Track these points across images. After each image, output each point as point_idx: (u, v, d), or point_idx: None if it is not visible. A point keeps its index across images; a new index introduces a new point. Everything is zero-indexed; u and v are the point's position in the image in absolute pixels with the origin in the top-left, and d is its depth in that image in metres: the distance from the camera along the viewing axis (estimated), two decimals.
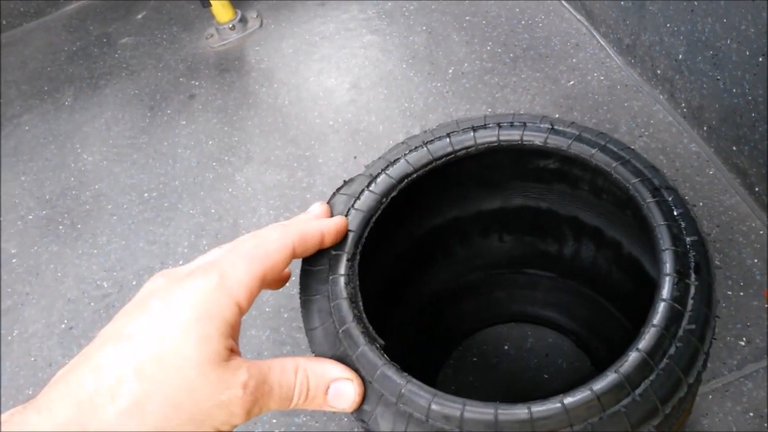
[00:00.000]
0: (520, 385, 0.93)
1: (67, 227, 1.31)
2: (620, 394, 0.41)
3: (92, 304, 1.15)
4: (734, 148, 1.01)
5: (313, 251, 0.50)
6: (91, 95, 1.61)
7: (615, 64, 1.26)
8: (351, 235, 0.53)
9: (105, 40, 1.80)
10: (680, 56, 1.07)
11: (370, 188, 0.57)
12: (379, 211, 0.56)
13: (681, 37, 1.05)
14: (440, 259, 0.85)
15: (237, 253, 0.42)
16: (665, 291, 0.46)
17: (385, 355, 0.46)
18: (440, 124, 0.63)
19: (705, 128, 1.08)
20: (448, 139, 0.60)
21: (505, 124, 0.60)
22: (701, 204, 1.02)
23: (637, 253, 0.68)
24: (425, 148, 0.60)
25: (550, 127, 0.58)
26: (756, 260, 0.96)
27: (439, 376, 0.95)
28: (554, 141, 0.58)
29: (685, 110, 1.12)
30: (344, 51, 1.50)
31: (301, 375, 0.41)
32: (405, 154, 0.60)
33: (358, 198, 0.56)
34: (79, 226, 1.30)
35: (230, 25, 1.61)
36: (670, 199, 0.51)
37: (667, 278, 0.46)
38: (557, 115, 1.20)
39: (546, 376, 0.92)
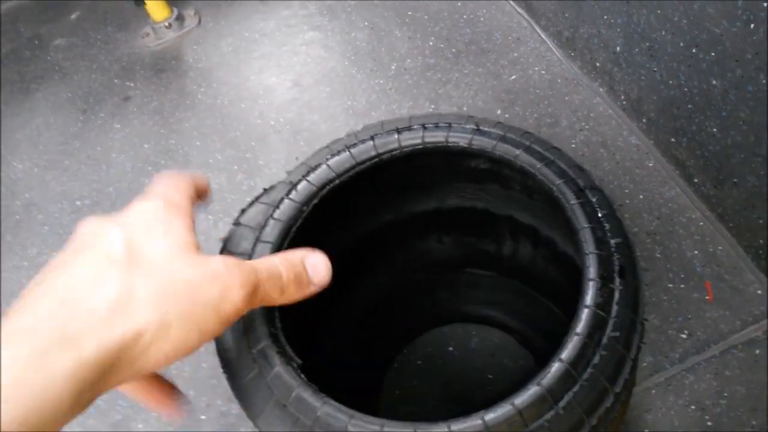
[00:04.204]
0: (465, 386, 0.91)
1: None
2: (543, 407, 0.40)
3: None
4: (672, 139, 1.02)
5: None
6: (23, 100, 1.54)
7: (555, 58, 1.26)
8: (269, 247, 0.51)
9: (37, 42, 1.72)
10: (618, 48, 1.07)
11: (290, 196, 0.54)
12: (300, 220, 0.54)
13: (618, 29, 1.05)
14: (378, 264, 0.82)
15: (161, 187, 0.40)
16: (588, 297, 0.44)
17: (302, 376, 0.44)
18: (365, 126, 0.60)
19: (644, 120, 1.08)
20: (371, 142, 0.58)
21: (430, 125, 0.58)
22: (641, 197, 1.02)
23: (572, 252, 0.67)
24: (348, 152, 0.57)
25: (475, 127, 0.56)
26: (696, 252, 0.96)
27: (385, 379, 0.93)
28: (479, 142, 0.56)
29: (624, 103, 1.12)
30: (285, 48, 1.46)
31: (279, 255, 0.41)
32: (327, 159, 0.57)
33: (277, 207, 0.54)
34: (8, 237, 1.24)
35: (166, 24, 1.55)
36: (594, 200, 0.50)
37: (591, 283, 0.44)
38: (499, 111, 1.19)
39: (491, 376, 0.91)
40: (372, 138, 0.58)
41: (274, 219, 0.53)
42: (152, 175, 1.27)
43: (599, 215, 0.48)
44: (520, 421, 0.39)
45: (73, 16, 1.78)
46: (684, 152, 1.00)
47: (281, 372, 0.43)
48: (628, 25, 1.01)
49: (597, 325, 0.42)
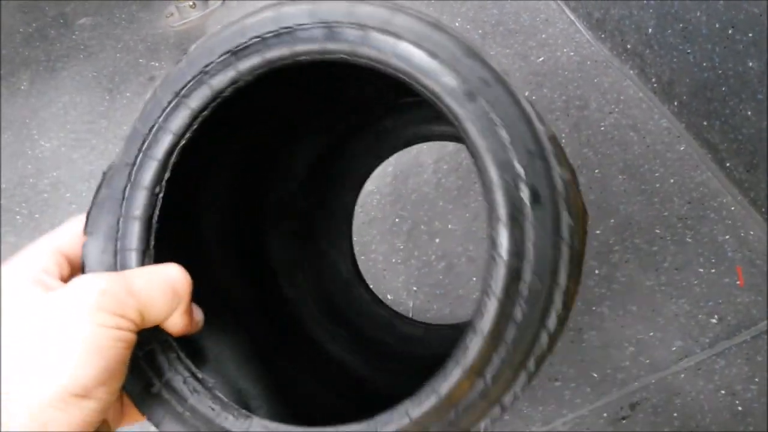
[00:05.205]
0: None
1: (24, 217, 1.26)
2: (468, 384, 0.36)
3: None
4: (705, 123, 1.00)
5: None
6: (48, 79, 1.55)
7: (585, 39, 1.24)
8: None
9: (62, 21, 1.73)
10: (650, 30, 1.05)
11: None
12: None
13: (650, 10, 1.03)
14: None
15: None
16: (498, 244, 0.36)
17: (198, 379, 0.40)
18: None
19: (676, 103, 1.06)
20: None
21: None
22: (672, 181, 1.01)
23: None
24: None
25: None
26: (727, 237, 0.95)
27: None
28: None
29: (655, 85, 1.10)
30: None
31: (161, 271, 0.37)
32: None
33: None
34: (36, 215, 1.25)
35: (191, 3, 1.55)
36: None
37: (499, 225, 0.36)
38: (527, 93, 1.18)
39: None
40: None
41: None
42: None
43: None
44: (447, 406, 0.37)
45: None
46: (717, 136, 0.98)
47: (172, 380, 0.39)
48: (662, 6, 1.00)
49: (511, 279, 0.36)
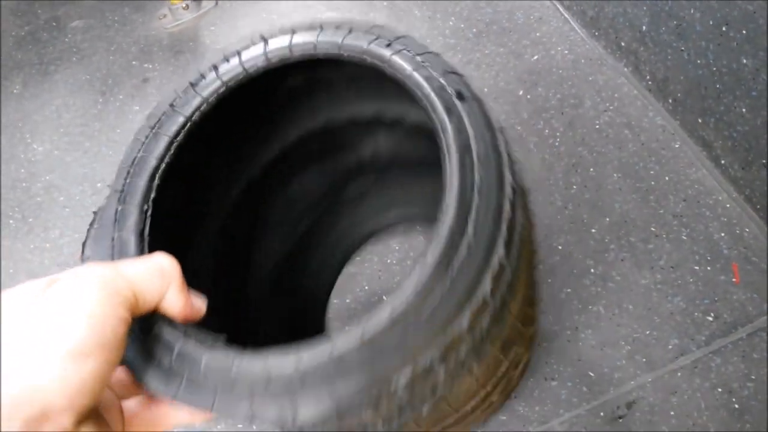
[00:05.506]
0: None
1: (18, 221, 1.25)
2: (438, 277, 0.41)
3: None
4: (700, 120, 1.00)
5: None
6: (41, 82, 1.54)
7: (579, 38, 1.24)
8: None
9: (54, 24, 1.72)
10: (644, 27, 1.05)
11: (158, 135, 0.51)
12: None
13: (644, 8, 1.03)
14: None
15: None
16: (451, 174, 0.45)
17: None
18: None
19: (670, 101, 1.06)
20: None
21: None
22: (667, 178, 1.01)
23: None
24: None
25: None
26: (723, 234, 0.95)
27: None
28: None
29: (649, 83, 1.10)
30: None
31: (148, 258, 0.40)
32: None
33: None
34: (30, 219, 1.25)
35: (183, 5, 1.54)
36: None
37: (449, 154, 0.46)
38: (521, 92, 1.18)
39: None
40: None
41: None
42: None
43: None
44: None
45: None
46: (711, 133, 0.98)
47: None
48: (655, 4, 0.99)
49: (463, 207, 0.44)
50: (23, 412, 0.31)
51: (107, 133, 1.35)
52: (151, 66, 1.47)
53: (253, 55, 0.52)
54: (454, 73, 0.50)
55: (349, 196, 0.88)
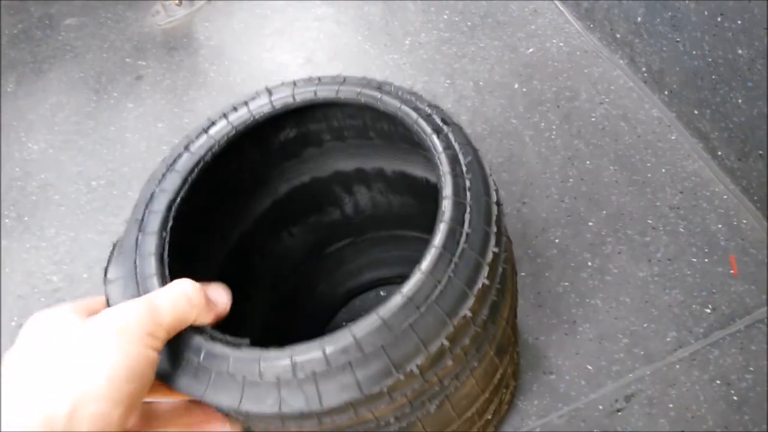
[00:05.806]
0: None
1: (13, 220, 1.25)
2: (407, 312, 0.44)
3: (43, 299, 1.10)
4: (696, 112, 1.00)
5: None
6: (35, 80, 1.53)
7: (574, 30, 1.23)
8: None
9: (47, 22, 1.71)
10: (639, 19, 1.04)
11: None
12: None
13: None
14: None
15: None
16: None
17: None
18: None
19: (666, 92, 1.06)
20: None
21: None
22: (664, 170, 1.01)
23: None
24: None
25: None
26: (720, 225, 0.94)
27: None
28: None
29: (645, 75, 1.10)
30: (297, 24, 1.44)
31: (175, 287, 0.43)
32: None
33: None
34: (25, 218, 1.24)
35: (176, 1, 1.54)
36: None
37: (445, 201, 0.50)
38: (516, 85, 1.17)
39: None
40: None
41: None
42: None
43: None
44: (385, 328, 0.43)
45: None
46: (708, 124, 0.98)
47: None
48: None
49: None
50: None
51: (101, 131, 1.34)
52: (144, 63, 1.47)
53: (260, 104, 0.60)
54: (436, 106, 0.58)
55: (332, 253, 0.92)
